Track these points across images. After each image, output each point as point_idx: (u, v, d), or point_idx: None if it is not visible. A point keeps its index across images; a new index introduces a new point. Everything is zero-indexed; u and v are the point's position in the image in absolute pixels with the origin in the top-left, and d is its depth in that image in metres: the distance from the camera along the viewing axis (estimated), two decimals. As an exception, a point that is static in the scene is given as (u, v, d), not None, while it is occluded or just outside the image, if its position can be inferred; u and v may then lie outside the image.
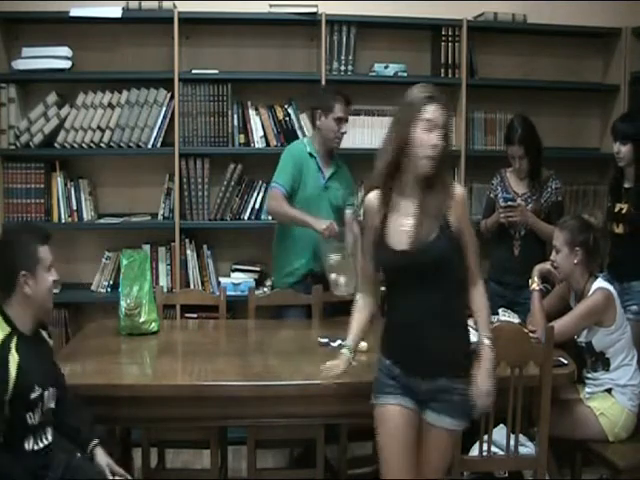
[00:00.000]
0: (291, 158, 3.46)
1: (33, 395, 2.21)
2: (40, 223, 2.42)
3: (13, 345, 2.19)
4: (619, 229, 3.35)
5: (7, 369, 2.14)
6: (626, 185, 3.36)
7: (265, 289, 3.96)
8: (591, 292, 2.87)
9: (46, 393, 2.27)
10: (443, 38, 4.08)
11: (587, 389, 2.94)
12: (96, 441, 2.40)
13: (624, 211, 3.31)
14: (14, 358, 2.17)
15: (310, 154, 3.49)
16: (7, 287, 2.23)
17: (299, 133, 4.02)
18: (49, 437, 2.30)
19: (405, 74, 4.10)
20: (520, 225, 3.49)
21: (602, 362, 2.88)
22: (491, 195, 3.68)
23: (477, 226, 3.60)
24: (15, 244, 2.26)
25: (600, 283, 2.89)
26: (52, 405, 2.32)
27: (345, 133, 3.51)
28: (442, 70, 4.11)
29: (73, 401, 2.43)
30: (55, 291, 2.35)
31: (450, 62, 4.09)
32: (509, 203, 3.45)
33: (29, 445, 2.23)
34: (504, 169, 3.66)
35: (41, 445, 2.26)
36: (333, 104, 3.43)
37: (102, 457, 2.39)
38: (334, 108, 3.43)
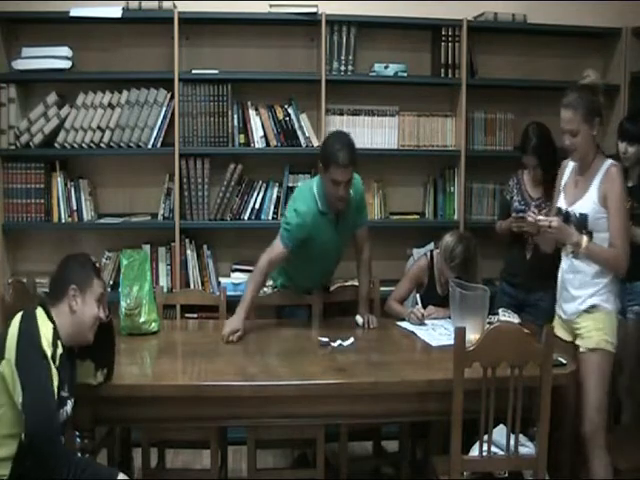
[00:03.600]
0: (301, 223, 3.14)
1: (63, 393, 2.25)
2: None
3: (59, 337, 2.26)
4: None
5: (56, 350, 2.20)
6: (629, 184, 3.35)
7: (265, 289, 3.95)
8: (604, 169, 2.80)
9: (69, 401, 2.31)
10: (443, 38, 4.08)
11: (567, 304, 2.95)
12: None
13: (627, 208, 3.30)
14: (59, 348, 2.23)
15: (321, 212, 3.19)
16: (56, 295, 2.33)
17: (299, 133, 4.02)
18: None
19: (405, 74, 4.10)
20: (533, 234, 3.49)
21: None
22: (507, 197, 3.69)
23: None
24: (77, 262, 2.42)
25: (610, 160, 2.84)
26: (70, 416, 2.35)
27: (344, 196, 3.12)
28: (442, 70, 4.11)
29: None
30: (96, 325, 2.39)
31: (450, 62, 4.09)
32: (520, 215, 3.46)
33: None
34: (521, 171, 3.65)
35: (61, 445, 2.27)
36: (329, 163, 3.08)
37: None
38: (329, 168, 3.08)
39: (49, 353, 2.17)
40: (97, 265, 2.53)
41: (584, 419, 2.80)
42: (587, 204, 2.82)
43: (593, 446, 2.78)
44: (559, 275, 2.99)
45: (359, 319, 3.30)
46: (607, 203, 2.77)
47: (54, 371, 2.16)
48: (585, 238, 2.79)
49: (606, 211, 2.78)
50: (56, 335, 2.24)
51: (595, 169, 2.83)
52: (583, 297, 2.86)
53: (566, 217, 2.88)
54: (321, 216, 3.20)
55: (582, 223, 2.83)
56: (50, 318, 2.28)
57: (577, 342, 2.87)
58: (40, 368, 2.13)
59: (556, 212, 2.97)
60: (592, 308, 2.85)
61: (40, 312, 2.28)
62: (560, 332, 2.92)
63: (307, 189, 3.26)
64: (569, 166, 2.99)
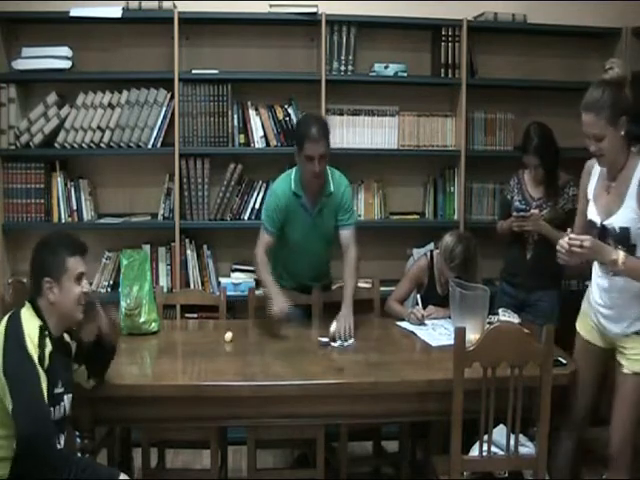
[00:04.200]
0: (275, 202, 3.28)
1: (57, 390, 2.24)
2: (77, 234, 2.45)
3: (47, 334, 2.24)
4: None
5: (44, 350, 2.19)
6: None
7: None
8: None
9: (66, 397, 2.30)
10: (443, 38, 4.08)
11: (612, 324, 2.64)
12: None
13: None
14: (49, 346, 2.22)
15: (295, 194, 3.27)
16: (36, 290, 2.30)
17: (299, 133, 4.02)
18: (62, 442, 2.30)
19: (405, 74, 4.10)
20: (533, 232, 3.49)
21: (629, 253, 2.48)
22: (507, 196, 3.68)
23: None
24: (46, 251, 2.33)
25: None
26: (69, 412, 2.34)
27: (319, 172, 3.17)
28: (442, 70, 4.10)
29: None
30: (83, 303, 2.34)
31: (450, 62, 4.09)
32: (521, 214, 3.45)
33: None
34: (522, 170, 3.64)
35: (58, 446, 2.26)
36: (302, 140, 3.13)
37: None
38: (303, 145, 3.13)
39: (36, 356, 2.15)
40: (73, 236, 2.41)
41: (612, 440, 2.62)
42: (627, 215, 2.48)
43: (616, 467, 2.63)
44: (594, 289, 2.70)
45: (332, 327, 3.06)
46: None
47: (42, 374, 2.14)
48: (621, 254, 2.43)
49: None
50: (43, 333, 2.22)
51: (629, 172, 2.49)
52: (632, 318, 2.58)
53: (602, 232, 2.55)
54: (295, 198, 3.28)
55: (624, 238, 2.49)
56: (38, 313, 2.26)
57: (620, 360, 2.62)
58: (27, 373, 2.12)
59: (589, 225, 2.63)
60: None
61: (26, 311, 2.26)
62: (594, 337, 2.75)
63: (285, 174, 3.38)
64: (595, 170, 2.65)
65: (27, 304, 2.29)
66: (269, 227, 3.31)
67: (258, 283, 3.97)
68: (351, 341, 3.02)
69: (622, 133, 2.47)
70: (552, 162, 3.48)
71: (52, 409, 2.22)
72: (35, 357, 2.15)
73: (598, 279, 2.67)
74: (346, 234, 3.34)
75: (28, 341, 2.16)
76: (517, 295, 3.60)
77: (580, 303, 2.86)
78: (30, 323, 2.22)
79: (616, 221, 2.50)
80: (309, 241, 3.37)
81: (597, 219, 2.58)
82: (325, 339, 3.01)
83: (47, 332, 2.25)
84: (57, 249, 2.31)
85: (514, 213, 3.51)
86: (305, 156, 3.15)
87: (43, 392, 2.14)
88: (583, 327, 2.81)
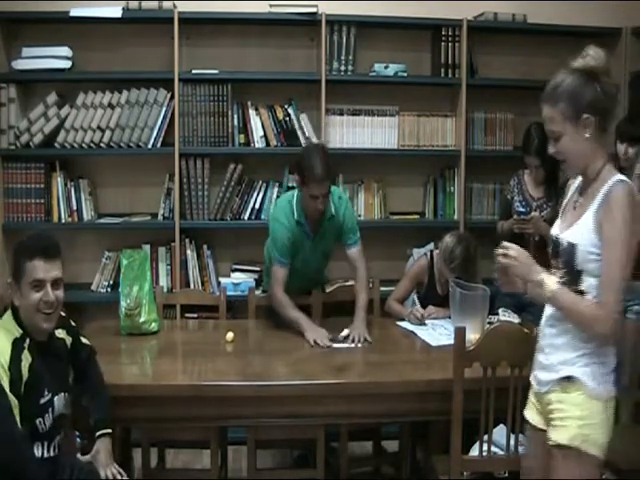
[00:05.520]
0: (284, 232, 3.22)
1: (43, 400, 2.20)
2: (52, 237, 2.36)
3: (26, 345, 2.19)
4: None
5: (19, 367, 2.13)
6: None
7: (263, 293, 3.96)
8: (608, 186, 1.98)
9: (56, 398, 2.27)
10: (443, 38, 4.08)
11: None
12: (105, 431, 2.38)
13: None
14: (27, 358, 2.17)
15: (298, 222, 3.24)
16: (12, 292, 2.24)
17: (299, 133, 4.02)
18: (56, 444, 2.28)
19: (405, 74, 4.10)
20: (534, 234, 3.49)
21: (572, 280, 2.04)
22: (508, 196, 3.68)
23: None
24: (15, 251, 2.26)
25: (618, 175, 2.02)
26: (64, 411, 2.32)
27: (323, 208, 3.17)
28: (442, 70, 4.11)
29: (99, 385, 2.44)
30: (47, 311, 2.21)
31: (450, 62, 4.09)
32: (522, 217, 3.45)
33: (38, 452, 2.21)
34: (522, 170, 3.65)
35: (51, 454, 2.25)
36: (307, 178, 3.10)
37: (103, 452, 2.36)
38: (308, 183, 3.10)
39: (7, 381, 2.08)
40: (42, 239, 2.29)
41: None
42: (578, 230, 2.03)
43: None
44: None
45: (345, 332, 3.08)
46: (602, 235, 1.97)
47: (13, 401, 2.09)
48: (553, 279, 2.04)
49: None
50: (18, 348, 2.15)
51: (598, 186, 2.02)
52: (559, 362, 2.06)
53: (555, 247, 2.13)
54: (298, 227, 3.24)
55: (570, 256, 2.04)
56: (19, 321, 2.21)
57: (548, 433, 2.09)
58: None
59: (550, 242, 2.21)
60: (567, 381, 2.03)
61: (3, 323, 2.20)
62: (530, 414, 2.20)
63: (285, 201, 3.31)
64: (575, 182, 2.21)
65: (9, 311, 2.23)
66: (284, 259, 3.22)
67: (258, 282, 3.99)
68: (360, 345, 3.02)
69: (587, 135, 2.01)
70: (553, 162, 3.47)
71: (41, 419, 2.19)
72: (6, 383, 2.08)
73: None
74: (354, 253, 3.32)
75: None
76: (517, 295, 3.57)
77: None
78: (2, 340, 2.15)
79: (567, 235, 2.07)
80: (309, 263, 3.36)
81: (555, 232, 2.16)
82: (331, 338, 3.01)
83: (28, 340, 2.19)
84: (19, 252, 2.24)
85: (515, 216, 3.51)
86: (310, 195, 3.12)
87: (13, 418, 2.08)
88: (528, 403, 2.25)
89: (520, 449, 2.55)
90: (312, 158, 3.12)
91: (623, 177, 2.02)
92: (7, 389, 2.09)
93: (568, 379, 2.02)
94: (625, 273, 1.96)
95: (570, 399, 2.02)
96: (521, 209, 3.53)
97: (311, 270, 3.43)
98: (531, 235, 3.50)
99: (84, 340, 2.50)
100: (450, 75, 4.11)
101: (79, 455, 2.45)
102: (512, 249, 2.12)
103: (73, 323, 2.46)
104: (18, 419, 2.10)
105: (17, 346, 2.16)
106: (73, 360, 2.43)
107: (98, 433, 2.38)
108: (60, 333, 2.38)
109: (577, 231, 2.03)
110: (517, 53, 4.29)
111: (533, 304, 3.49)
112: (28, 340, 2.20)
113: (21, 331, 2.20)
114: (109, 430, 2.40)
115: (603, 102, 2.02)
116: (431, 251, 3.53)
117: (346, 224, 3.30)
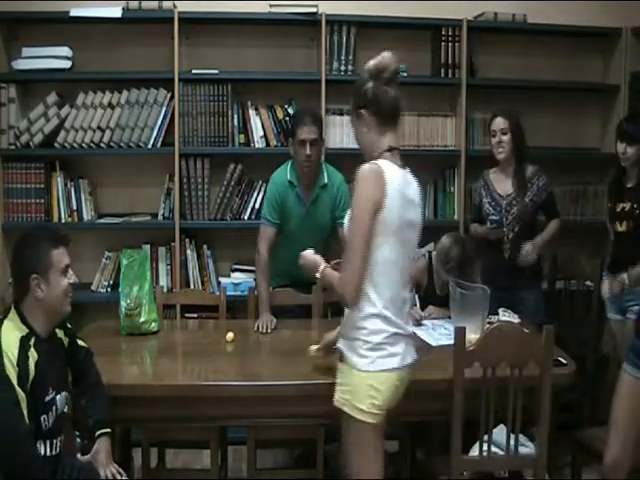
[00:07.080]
0: (274, 189, 3.43)
1: (47, 398, 2.22)
2: (57, 225, 2.39)
3: (32, 343, 2.20)
4: (622, 227, 3.33)
5: (27, 364, 2.15)
6: (629, 185, 3.35)
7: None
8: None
9: (58, 397, 2.28)
10: (443, 38, 4.08)
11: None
12: (105, 431, 2.39)
13: (627, 209, 3.30)
14: (33, 356, 2.18)
15: (290, 182, 3.41)
16: (21, 289, 2.25)
17: (299, 133, 4.02)
18: (57, 444, 2.28)
19: (405, 74, 4.08)
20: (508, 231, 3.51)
21: None
22: (476, 201, 3.69)
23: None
24: (28, 247, 2.25)
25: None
26: (66, 409, 2.33)
27: (311, 156, 3.32)
28: (442, 70, 4.11)
29: (97, 385, 2.46)
30: (71, 295, 2.31)
31: (450, 62, 4.09)
32: (494, 226, 3.48)
33: (42, 450, 2.21)
34: (487, 170, 3.66)
35: (54, 452, 2.25)
36: (296, 128, 3.34)
37: (102, 452, 2.37)
38: (297, 132, 3.33)
39: (14, 375, 2.10)
40: (53, 228, 2.36)
41: None
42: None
43: None
44: None
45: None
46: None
47: (20, 394, 2.10)
48: (323, 264, 2.30)
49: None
50: (25, 345, 2.17)
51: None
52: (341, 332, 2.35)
53: None
54: (290, 187, 3.39)
55: None
56: (23, 319, 2.23)
57: None
58: (3, 395, 2.08)
59: None
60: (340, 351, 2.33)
61: (8, 322, 2.22)
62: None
63: (281, 166, 3.51)
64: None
65: (12, 311, 2.24)
66: (270, 217, 3.38)
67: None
68: None
69: (365, 130, 2.31)
70: (520, 135, 3.47)
71: (45, 416, 2.20)
72: (14, 377, 2.10)
73: None
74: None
75: (6, 360, 2.11)
76: (501, 296, 3.48)
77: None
78: (11, 337, 2.17)
79: None
80: (303, 234, 3.37)
81: None
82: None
83: (33, 339, 2.20)
84: (39, 244, 2.24)
85: (488, 225, 3.51)
86: (298, 141, 3.31)
87: (20, 412, 2.09)
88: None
89: (520, 449, 2.55)
90: (301, 112, 3.52)
91: (374, 162, 2.29)
92: (15, 383, 2.11)
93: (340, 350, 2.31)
94: (359, 241, 2.14)
95: (340, 367, 2.31)
96: (493, 216, 3.52)
97: (304, 241, 3.40)
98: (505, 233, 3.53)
99: (80, 342, 2.51)
100: (450, 75, 4.10)
101: (79, 455, 2.46)
102: (302, 257, 2.39)
103: (69, 325, 2.47)
104: (25, 413, 2.11)
105: (24, 343, 2.18)
106: (71, 361, 2.43)
107: (97, 433, 2.39)
108: (58, 333, 2.39)
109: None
110: (517, 53, 4.28)
111: (520, 302, 3.47)
112: (34, 338, 2.22)
113: (27, 329, 2.22)
114: (108, 430, 2.40)
115: (375, 96, 2.31)
116: (430, 252, 3.53)
117: (339, 198, 3.42)
